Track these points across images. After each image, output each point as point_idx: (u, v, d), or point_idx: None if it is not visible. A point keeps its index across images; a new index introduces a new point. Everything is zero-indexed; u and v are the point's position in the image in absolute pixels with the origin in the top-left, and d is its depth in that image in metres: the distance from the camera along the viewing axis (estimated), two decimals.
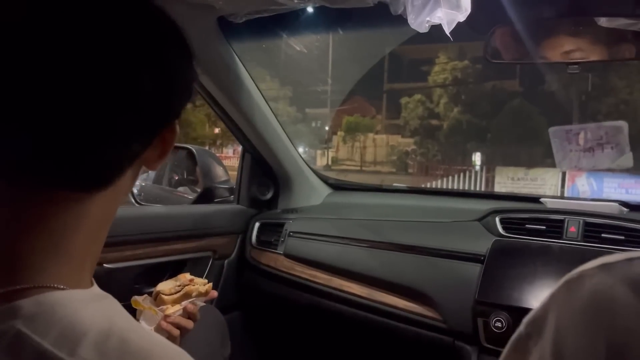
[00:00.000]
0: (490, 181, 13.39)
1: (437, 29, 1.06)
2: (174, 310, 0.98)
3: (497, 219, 1.43)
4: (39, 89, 0.43)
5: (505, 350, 0.47)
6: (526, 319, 0.45)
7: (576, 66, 1.14)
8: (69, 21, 0.45)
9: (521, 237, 1.37)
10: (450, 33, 1.04)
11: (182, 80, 0.54)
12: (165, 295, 1.00)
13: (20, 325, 0.43)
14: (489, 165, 14.82)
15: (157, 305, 0.99)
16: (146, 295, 1.02)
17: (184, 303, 1.01)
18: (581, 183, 9.01)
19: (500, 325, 1.18)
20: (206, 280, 1.06)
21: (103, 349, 0.44)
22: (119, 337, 0.46)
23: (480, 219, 1.47)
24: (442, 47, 19.90)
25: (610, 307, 0.39)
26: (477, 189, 13.16)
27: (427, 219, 1.58)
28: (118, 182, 0.51)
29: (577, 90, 15.87)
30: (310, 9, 1.35)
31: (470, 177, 13.81)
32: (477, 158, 16.30)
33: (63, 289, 0.47)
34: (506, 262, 1.29)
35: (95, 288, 0.52)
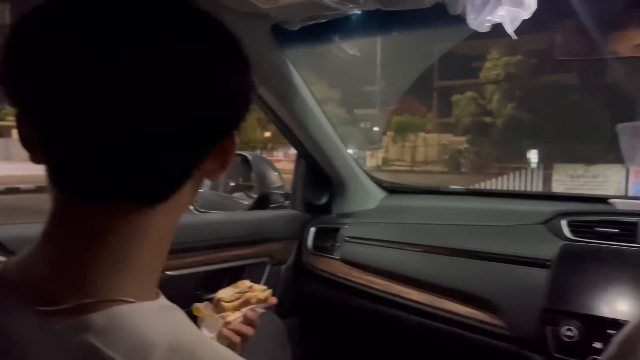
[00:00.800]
0: (547, 179, 12.91)
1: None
2: (234, 317, 0.99)
3: (563, 222, 1.36)
4: (97, 104, 0.44)
5: None
6: (618, 339, 0.42)
7: None
8: (122, 32, 0.45)
9: (591, 241, 1.30)
10: (503, 26, 0.99)
11: (239, 91, 0.53)
12: (225, 302, 1.00)
13: (92, 339, 0.44)
14: (546, 162, 14.31)
15: (218, 313, 0.99)
16: (207, 302, 1.02)
17: (244, 310, 1.01)
18: None
19: (571, 334, 1.12)
20: (265, 287, 1.06)
21: None
22: (186, 350, 0.46)
23: (544, 222, 1.41)
24: (494, 43, 19.39)
25: None
26: (534, 187, 12.73)
27: (488, 222, 1.53)
28: (178, 193, 0.51)
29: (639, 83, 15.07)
30: (363, 12, 1.33)
31: (526, 175, 13.37)
32: (533, 155, 15.78)
33: (131, 301, 0.47)
34: (576, 268, 1.23)
35: (162, 299, 0.52)
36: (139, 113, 0.45)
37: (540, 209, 1.48)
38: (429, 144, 21.27)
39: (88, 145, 0.45)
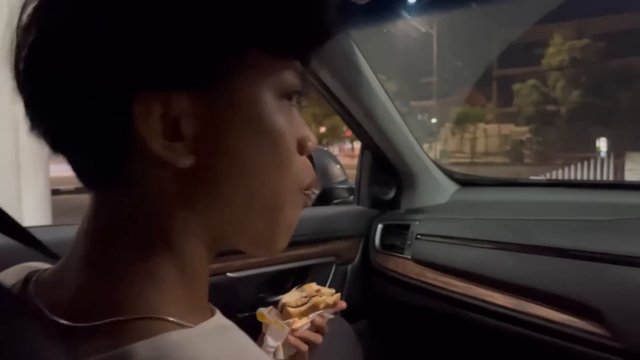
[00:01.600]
0: (619, 169, 12.35)
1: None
2: (301, 323, 0.92)
3: None
4: None
5: None
6: None
7: None
8: None
9: None
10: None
11: (184, 18, 0.35)
12: (292, 307, 0.94)
13: None
14: (617, 151, 13.63)
15: (284, 319, 0.93)
16: (272, 307, 0.96)
17: (312, 316, 0.93)
18: None
19: None
20: (333, 291, 0.97)
21: None
22: None
23: None
24: (557, 27, 18.55)
25: None
26: (604, 177, 12.19)
27: (581, 216, 1.35)
28: (130, 178, 0.39)
29: None
30: None
31: (595, 164, 12.79)
32: (602, 144, 15.08)
33: (177, 322, 0.38)
34: None
35: (216, 318, 0.42)
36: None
37: None
38: (490, 134, 20.72)
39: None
